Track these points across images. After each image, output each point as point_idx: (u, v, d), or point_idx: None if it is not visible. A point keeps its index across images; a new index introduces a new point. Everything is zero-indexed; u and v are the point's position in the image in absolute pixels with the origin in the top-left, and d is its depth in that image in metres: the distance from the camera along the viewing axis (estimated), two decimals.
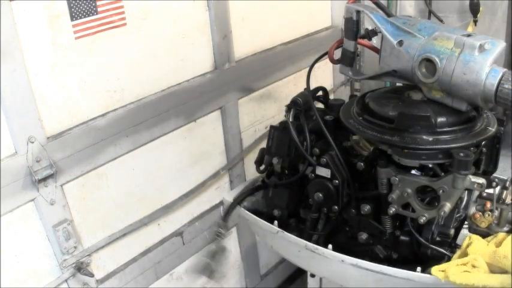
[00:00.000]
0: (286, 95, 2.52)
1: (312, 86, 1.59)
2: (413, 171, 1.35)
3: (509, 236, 1.28)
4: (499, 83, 1.18)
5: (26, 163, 1.57)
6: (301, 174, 1.52)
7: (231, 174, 2.39)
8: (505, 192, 1.40)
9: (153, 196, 2.05)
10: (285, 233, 1.50)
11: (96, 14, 1.65)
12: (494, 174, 1.47)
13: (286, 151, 1.56)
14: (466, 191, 1.38)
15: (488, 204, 1.40)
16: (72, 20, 1.60)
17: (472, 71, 1.20)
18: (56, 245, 1.72)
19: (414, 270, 1.28)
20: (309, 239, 1.49)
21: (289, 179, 1.56)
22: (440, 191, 1.27)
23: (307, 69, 1.58)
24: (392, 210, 1.35)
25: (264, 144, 1.64)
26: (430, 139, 1.27)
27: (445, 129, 1.28)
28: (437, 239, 1.38)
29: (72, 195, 1.75)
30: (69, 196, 1.74)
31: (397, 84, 1.47)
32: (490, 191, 1.39)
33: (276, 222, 1.55)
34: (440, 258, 1.35)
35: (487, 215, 1.38)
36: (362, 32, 1.45)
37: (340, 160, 1.43)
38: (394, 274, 1.30)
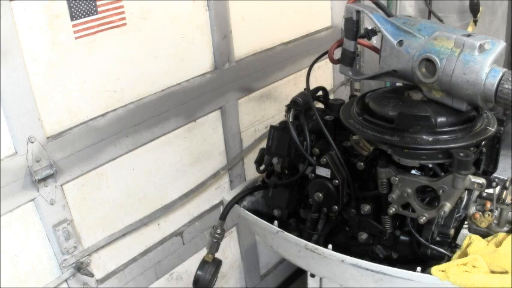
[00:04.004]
0: (286, 95, 2.52)
1: (312, 86, 1.59)
2: (413, 171, 1.35)
3: (509, 236, 1.28)
4: (499, 83, 1.18)
5: (26, 163, 1.57)
6: (301, 174, 1.52)
7: (231, 174, 2.39)
8: (505, 192, 1.40)
9: (153, 196, 2.05)
10: (285, 233, 1.49)
11: (96, 14, 1.66)
12: (494, 174, 1.47)
13: (286, 151, 1.56)
14: (466, 191, 1.38)
15: (488, 204, 1.40)
16: (72, 20, 1.60)
17: (472, 71, 1.20)
18: (55, 245, 1.72)
19: (414, 270, 1.28)
20: (309, 239, 1.49)
21: (289, 179, 1.56)
22: (440, 191, 1.27)
23: (307, 69, 1.58)
24: (392, 210, 1.35)
25: (264, 144, 1.64)
26: (430, 139, 1.27)
27: (445, 129, 1.28)
28: (437, 239, 1.38)
29: (72, 195, 1.75)
30: (69, 196, 1.74)
31: (397, 84, 1.47)
32: (490, 191, 1.39)
33: (276, 222, 1.54)
34: (440, 258, 1.35)
35: (487, 215, 1.38)
36: (362, 31, 1.45)
37: (340, 160, 1.43)
38: (394, 274, 1.30)
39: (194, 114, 2.11)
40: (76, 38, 1.63)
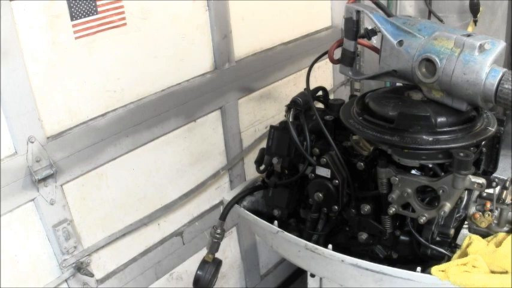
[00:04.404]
0: (286, 95, 2.52)
1: (312, 86, 1.59)
2: (413, 171, 1.35)
3: (509, 236, 1.28)
4: (499, 83, 1.18)
5: (26, 163, 1.57)
6: (301, 174, 1.52)
7: (231, 174, 2.39)
8: (505, 192, 1.40)
9: (153, 196, 2.05)
10: (285, 233, 1.49)
11: (96, 14, 1.65)
12: (494, 174, 1.47)
13: (286, 151, 1.56)
14: (466, 191, 1.38)
15: (488, 204, 1.40)
16: (72, 20, 1.60)
17: (472, 71, 1.20)
18: (55, 245, 1.72)
19: (414, 270, 1.28)
20: (309, 239, 1.49)
21: (289, 179, 1.56)
22: (440, 191, 1.27)
23: (307, 69, 1.58)
24: (392, 210, 1.35)
25: (264, 144, 1.64)
26: (430, 139, 1.27)
27: (445, 129, 1.28)
28: (437, 239, 1.38)
29: (72, 195, 1.75)
30: (69, 196, 1.74)
31: (397, 84, 1.46)
32: (490, 191, 1.39)
33: (276, 222, 1.54)
34: (440, 258, 1.35)
35: (487, 215, 1.38)
36: (362, 31, 1.45)
37: (340, 160, 1.43)
38: (394, 274, 1.30)
39: (194, 114, 2.11)
40: (76, 38, 1.63)
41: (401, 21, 1.34)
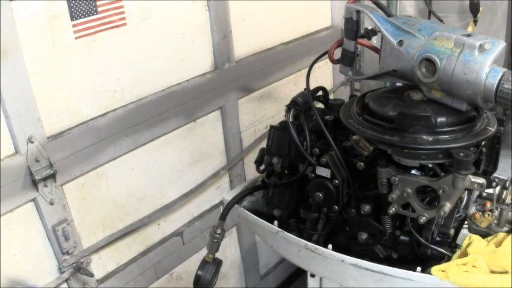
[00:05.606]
0: (286, 95, 2.52)
1: (312, 86, 1.59)
2: (413, 171, 1.35)
3: (509, 236, 1.28)
4: (499, 83, 1.18)
5: (25, 163, 1.57)
6: (301, 174, 1.52)
7: (231, 174, 2.39)
8: (505, 192, 1.40)
9: (153, 196, 2.05)
10: (285, 233, 1.49)
11: (96, 14, 1.66)
12: (494, 174, 1.46)
13: (286, 151, 1.56)
14: (466, 191, 1.37)
15: (488, 204, 1.40)
16: (72, 19, 1.60)
17: (472, 71, 1.20)
18: (55, 245, 1.72)
19: (414, 270, 1.28)
20: (309, 239, 1.49)
21: (289, 179, 1.56)
22: (440, 191, 1.27)
23: (307, 69, 1.58)
24: (392, 210, 1.35)
25: (264, 144, 1.64)
26: (430, 139, 1.27)
27: (445, 129, 1.28)
28: (437, 239, 1.38)
29: (72, 195, 1.75)
30: (69, 196, 1.74)
31: (397, 84, 1.46)
32: (490, 191, 1.39)
33: (276, 222, 1.54)
34: (440, 258, 1.35)
35: (487, 215, 1.38)
36: (362, 31, 1.45)
37: (340, 160, 1.42)
38: (394, 274, 1.30)
39: (194, 114, 2.11)
40: (76, 38, 1.63)
41: (401, 21, 1.34)
